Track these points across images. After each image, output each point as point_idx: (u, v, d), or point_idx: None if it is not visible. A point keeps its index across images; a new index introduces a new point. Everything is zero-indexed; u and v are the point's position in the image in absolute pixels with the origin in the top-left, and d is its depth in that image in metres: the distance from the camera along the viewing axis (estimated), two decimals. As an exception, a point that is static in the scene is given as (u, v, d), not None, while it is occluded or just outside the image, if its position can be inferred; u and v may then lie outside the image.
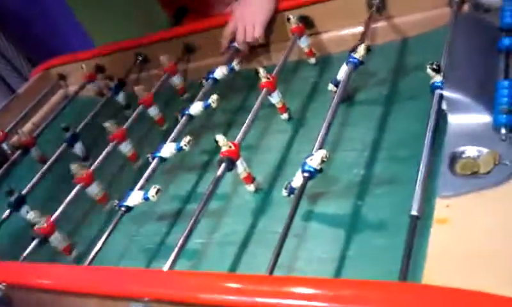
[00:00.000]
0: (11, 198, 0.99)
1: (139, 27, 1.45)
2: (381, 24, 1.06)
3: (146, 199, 0.81)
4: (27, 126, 1.40)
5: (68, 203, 0.91)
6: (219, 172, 0.79)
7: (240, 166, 0.82)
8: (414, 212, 0.57)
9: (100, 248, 0.79)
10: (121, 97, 1.29)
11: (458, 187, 0.56)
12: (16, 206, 0.98)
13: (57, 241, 0.88)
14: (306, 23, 1.12)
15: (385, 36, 1.06)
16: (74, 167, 0.94)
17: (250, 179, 0.84)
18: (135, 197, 0.83)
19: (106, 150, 1.02)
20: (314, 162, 0.69)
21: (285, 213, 0.66)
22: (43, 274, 0.76)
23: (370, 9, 1.04)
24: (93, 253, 0.78)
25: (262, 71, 0.93)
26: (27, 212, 0.92)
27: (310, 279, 0.56)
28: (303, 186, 0.69)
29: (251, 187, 0.85)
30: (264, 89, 0.92)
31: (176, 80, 1.23)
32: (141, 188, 0.85)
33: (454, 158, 0.59)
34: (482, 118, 0.61)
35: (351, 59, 0.86)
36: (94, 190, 0.96)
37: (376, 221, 0.69)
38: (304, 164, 0.69)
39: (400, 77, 0.94)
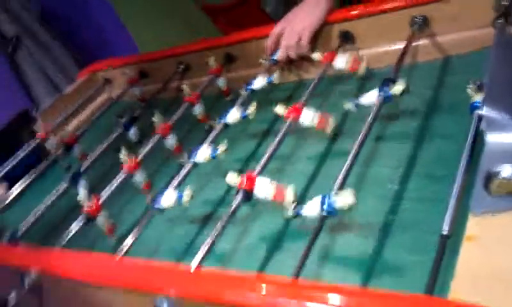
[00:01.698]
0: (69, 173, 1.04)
1: (182, 35, 1.49)
2: (422, 42, 1.05)
3: (180, 203, 0.83)
4: (71, 125, 1.44)
5: (115, 187, 0.95)
6: (235, 203, 0.78)
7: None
8: (444, 231, 0.56)
9: (133, 243, 0.80)
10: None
11: (491, 205, 0.55)
12: (74, 180, 1.03)
13: (102, 222, 0.92)
14: (347, 38, 1.12)
15: (426, 54, 1.05)
16: (123, 155, 0.98)
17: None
18: (168, 198, 0.85)
19: (152, 141, 1.06)
20: (338, 203, 0.67)
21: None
22: (73, 264, 0.78)
23: (412, 27, 1.04)
24: (125, 247, 0.80)
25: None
26: (83, 188, 0.95)
27: (335, 286, 0.56)
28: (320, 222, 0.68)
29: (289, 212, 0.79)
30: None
31: (221, 83, 1.26)
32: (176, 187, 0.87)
33: (490, 177, 0.58)
34: (521, 138, 0.60)
35: (383, 93, 0.85)
36: (138, 178, 0.99)
37: (406, 237, 0.69)
38: (325, 197, 0.68)
39: (440, 96, 0.93)
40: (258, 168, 0.82)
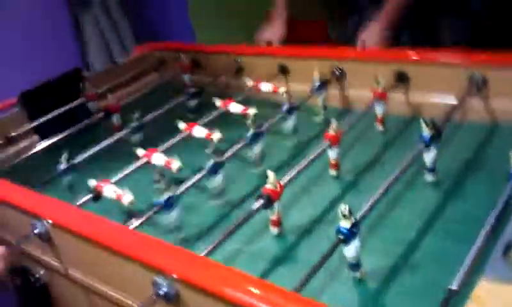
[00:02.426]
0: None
1: (240, 36, 1.53)
2: (477, 102, 1.04)
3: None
4: (116, 94, 1.47)
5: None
6: (255, 206, 0.79)
7: (275, 209, 0.82)
8: (453, 286, 0.56)
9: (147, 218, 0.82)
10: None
11: (505, 274, 0.54)
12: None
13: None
14: (402, 79, 1.12)
15: (478, 114, 1.04)
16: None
17: (277, 223, 0.83)
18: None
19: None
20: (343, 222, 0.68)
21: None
22: (89, 223, 0.80)
23: (471, 85, 1.03)
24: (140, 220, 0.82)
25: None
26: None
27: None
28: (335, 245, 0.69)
29: (274, 230, 0.84)
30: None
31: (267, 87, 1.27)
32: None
33: (511, 246, 0.57)
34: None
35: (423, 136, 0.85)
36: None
37: (411, 286, 0.69)
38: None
39: (480, 158, 0.93)
40: (286, 179, 0.84)
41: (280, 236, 0.83)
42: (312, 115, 1.18)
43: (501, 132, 0.99)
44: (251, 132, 1.02)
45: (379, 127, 1.08)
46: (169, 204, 0.84)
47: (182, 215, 0.87)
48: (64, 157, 1.05)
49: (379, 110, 1.07)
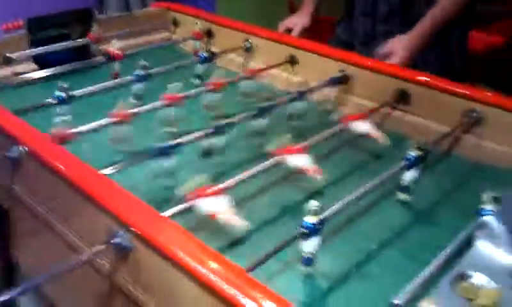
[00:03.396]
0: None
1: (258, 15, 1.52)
2: (468, 137, 1.04)
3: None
4: (123, 42, 1.46)
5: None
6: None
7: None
8: (396, 300, 0.56)
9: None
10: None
11: (449, 302, 0.54)
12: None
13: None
14: (404, 97, 1.12)
15: (466, 149, 1.04)
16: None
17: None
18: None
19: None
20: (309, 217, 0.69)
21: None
22: (58, 154, 0.80)
23: (464, 118, 1.03)
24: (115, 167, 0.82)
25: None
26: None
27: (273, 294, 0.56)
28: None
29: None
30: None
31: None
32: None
33: (461, 277, 0.58)
34: (507, 259, 0.60)
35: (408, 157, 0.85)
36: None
37: (359, 295, 0.69)
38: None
39: (456, 191, 0.94)
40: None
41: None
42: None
43: (483, 170, 1.00)
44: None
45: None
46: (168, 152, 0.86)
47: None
48: (62, 87, 1.04)
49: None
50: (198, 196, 0.76)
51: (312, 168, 0.87)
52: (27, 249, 0.98)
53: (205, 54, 1.33)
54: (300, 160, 0.89)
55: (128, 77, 1.19)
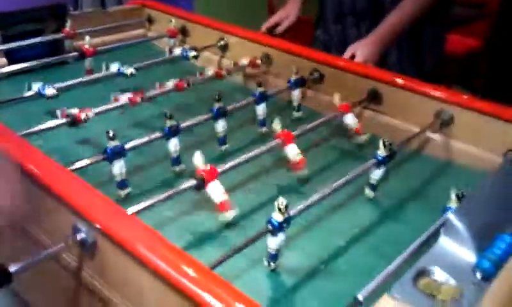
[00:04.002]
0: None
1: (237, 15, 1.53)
2: (437, 137, 1.05)
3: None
4: (97, 39, 1.44)
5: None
6: (182, 186, 0.78)
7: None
8: (360, 296, 0.56)
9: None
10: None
11: (410, 297, 0.55)
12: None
13: None
14: (375, 97, 1.13)
15: (436, 149, 1.06)
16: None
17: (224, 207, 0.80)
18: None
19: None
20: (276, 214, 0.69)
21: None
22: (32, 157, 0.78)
23: (436, 119, 1.04)
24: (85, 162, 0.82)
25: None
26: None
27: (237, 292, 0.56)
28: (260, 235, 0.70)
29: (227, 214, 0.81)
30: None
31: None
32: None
33: (423, 272, 0.59)
34: (469, 256, 0.60)
35: (376, 156, 0.87)
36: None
37: (324, 290, 0.70)
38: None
39: (424, 188, 0.95)
40: (224, 167, 0.83)
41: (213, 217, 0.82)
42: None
43: (453, 170, 1.01)
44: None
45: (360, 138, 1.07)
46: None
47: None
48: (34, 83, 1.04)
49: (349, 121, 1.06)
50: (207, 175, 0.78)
51: (299, 159, 0.91)
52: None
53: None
54: (291, 149, 0.91)
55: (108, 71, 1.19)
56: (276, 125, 0.92)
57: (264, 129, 1.09)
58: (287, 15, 1.56)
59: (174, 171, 0.93)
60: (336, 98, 1.06)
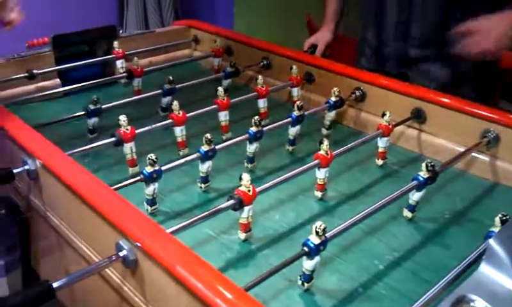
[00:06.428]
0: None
1: (278, 33, 1.54)
2: (483, 157, 1.03)
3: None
4: (145, 59, 1.49)
5: (154, 128, 1.03)
6: (223, 205, 0.79)
7: (246, 213, 0.81)
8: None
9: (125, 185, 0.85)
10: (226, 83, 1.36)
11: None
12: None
13: (128, 150, 0.98)
14: (419, 116, 1.12)
15: (480, 169, 1.03)
16: (175, 104, 1.05)
17: (245, 228, 0.83)
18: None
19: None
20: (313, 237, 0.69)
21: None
22: (72, 171, 0.82)
23: (482, 139, 1.02)
24: (126, 182, 0.85)
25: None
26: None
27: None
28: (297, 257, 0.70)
29: (242, 235, 0.83)
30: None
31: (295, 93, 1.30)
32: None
33: (462, 300, 0.57)
34: (510, 285, 0.59)
35: (417, 178, 0.85)
36: (178, 132, 1.06)
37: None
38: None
39: (469, 211, 0.93)
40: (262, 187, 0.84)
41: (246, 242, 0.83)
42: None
43: (499, 192, 0.98)
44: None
45: (378, 161, 1.06)
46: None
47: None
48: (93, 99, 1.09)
49: (380, 144, 1.05)
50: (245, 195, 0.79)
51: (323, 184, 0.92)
52: (45, 258, 1.01)
53: (229, 69, 1.35)
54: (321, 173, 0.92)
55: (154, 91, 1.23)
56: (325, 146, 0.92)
57: (291, 148, 1.10)
58: (322, 36, 1.58)
59: (200, 187, 0.96)
60: (387, 116, 1.05)
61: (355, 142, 1.01)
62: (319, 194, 0.94)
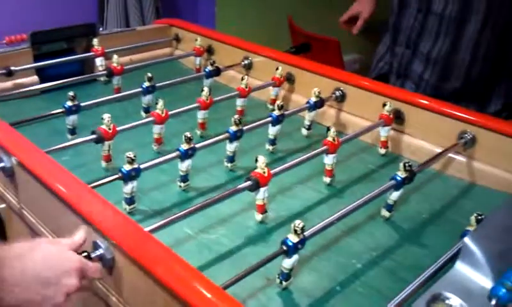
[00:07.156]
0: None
1: (259, 33, 1.53)
2: (460, 158, 1.04)
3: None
4: (125, 57, 1.48)
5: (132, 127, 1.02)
6: (240, 186, 0.82)
7: (262, 194, 0.84)
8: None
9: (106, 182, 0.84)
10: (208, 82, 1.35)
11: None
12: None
13: (106, 147, 0.98)
14: (398, 117, 1.13)
15: (457, 170, 1.04)
16: (160, 104, 1.05)
17: (262, 209, 0.86)
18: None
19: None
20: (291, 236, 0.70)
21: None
22: (48, 166, 0.81)
23: (459, 140, 1.03)
24: (104, 180, 0.83)
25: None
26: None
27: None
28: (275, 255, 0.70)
29: (258, 217, 0.86)
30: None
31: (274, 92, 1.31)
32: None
33: (437, 297, 0.58)
34: (484, 282, 0.60)
35: (395, 177, 0.86)
36: (157, 130, 1.07)
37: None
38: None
39: (446, 211, 0.94)
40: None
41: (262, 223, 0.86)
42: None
43: (475, 193, 1.00)
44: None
45: (381, 150, 1.10)
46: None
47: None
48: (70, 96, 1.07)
49: (383, 133, 1.09)
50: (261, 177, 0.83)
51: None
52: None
53: (210, 68, 1.34)
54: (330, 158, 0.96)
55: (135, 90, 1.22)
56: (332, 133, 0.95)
57: (272, 148, 1.10)
58: (362, 9, 1.48)
59: (180, 186, 0.95)
60: (387, 106, 1.08)
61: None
62: (327, 179, 0.98)
